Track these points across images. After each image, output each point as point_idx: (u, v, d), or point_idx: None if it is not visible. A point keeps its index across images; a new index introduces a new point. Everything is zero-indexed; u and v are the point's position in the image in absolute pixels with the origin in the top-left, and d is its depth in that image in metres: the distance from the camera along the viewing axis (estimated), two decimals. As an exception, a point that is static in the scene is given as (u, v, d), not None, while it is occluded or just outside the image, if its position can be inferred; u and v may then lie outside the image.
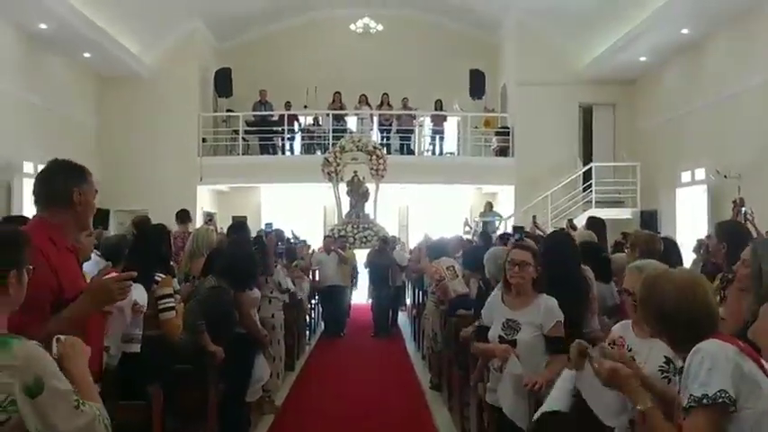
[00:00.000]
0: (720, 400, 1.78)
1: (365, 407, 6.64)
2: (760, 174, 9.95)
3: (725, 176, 10.47)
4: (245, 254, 4.83)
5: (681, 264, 4.55)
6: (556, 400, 2.58)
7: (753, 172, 10.14)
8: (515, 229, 6.01)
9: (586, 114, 16.17)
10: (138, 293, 3.34)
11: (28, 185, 10.89)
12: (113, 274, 2.73)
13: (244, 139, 16.40)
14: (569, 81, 15.38)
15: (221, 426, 4.51)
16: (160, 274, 3.65)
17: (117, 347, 3.41)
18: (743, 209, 7.89)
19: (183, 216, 8.25)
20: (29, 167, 11.06)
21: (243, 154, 16.32)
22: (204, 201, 15.95)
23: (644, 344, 2.53)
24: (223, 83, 16.68)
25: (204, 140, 16.06)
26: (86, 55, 13.36)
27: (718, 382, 1.80)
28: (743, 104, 10.78)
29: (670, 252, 4.35)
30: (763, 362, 1.90)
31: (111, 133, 15.00)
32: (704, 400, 1.80)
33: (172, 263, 4.81)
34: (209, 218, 11.14)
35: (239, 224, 6.06)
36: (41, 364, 1.76)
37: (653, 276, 2.08)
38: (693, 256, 7.43)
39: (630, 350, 2.59)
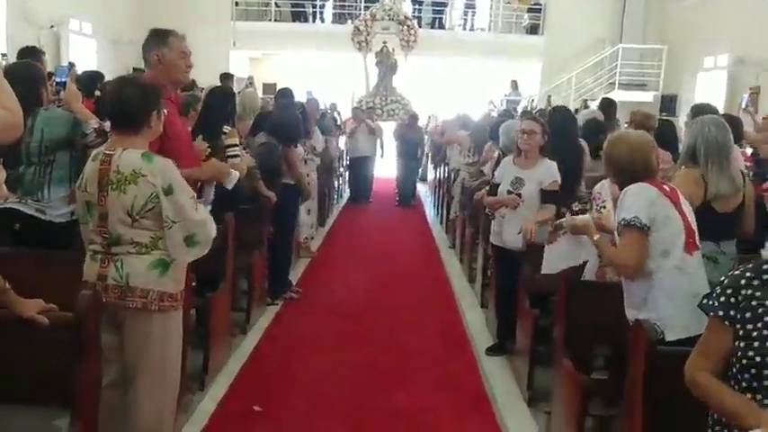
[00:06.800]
0: (634, 223, 2.55)
1: (389, 257, 7.58)
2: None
3: (742, 62, 10.67)
4: (293, 115, 5.58)
5: (675, 141, 5.16)
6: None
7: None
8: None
9: (621, -7, 15.95)
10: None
11: (75, 41, 11.59)
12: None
13: (276, 4, 16.53)
14: (606, -43, 15.11)
15: (270, 259, 5.45)
16: (227, 127, 4.39)
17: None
18: (743, 97, 8.35)
19: (228, 78, 8.92)
20: (75, 24, 11.66)
21: (274, 20, 16.51)
22: (237, 66, 16.37)
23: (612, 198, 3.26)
24: (256, -57, 16.56)
25: (237, 4, 16.23)
26: None
27: (635, 210, 2.56)
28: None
29: (664, 131, 4.98)
30: (682, 202, 2.66)
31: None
32: (622, 222, 2.59)
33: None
34: (250, 81, 11.73)
35: (286, 90, 6.74)
36: (173, 174, 2.55)
37: (614, 136, 2.80)
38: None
39: (603, 200, 3.36)
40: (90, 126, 3.27)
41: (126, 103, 2.56)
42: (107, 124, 2.98)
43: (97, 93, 5.68)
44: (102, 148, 2.65)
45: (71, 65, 7.60)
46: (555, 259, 3.71)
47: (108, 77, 6.39)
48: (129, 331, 2.56)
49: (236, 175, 3.75)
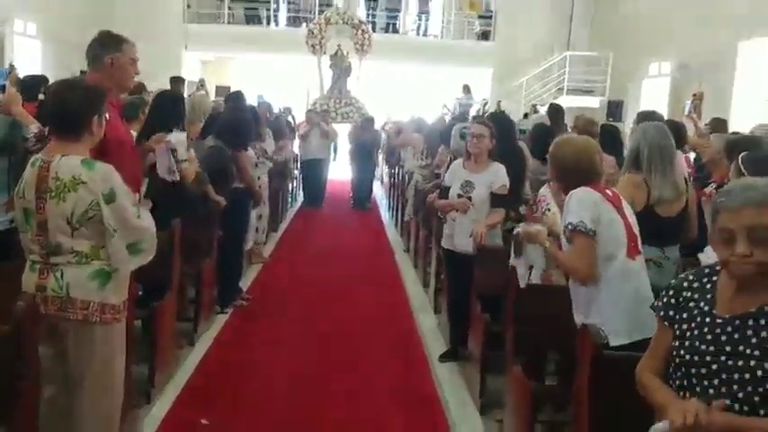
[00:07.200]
0: (580, 228, 2.59)
1: (343, 262, 7.53)
2: (724, 67, 10.45)
3: (686, 69, 11.00)
4: (243, 117, 5.50)
5: (619, 146, 5.26)
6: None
7: (714, 66, 10.65)
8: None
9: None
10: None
11: (19, 42, 11.21)
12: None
13: (229, 7, 16.36)
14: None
15: (221, 264, 5.34)
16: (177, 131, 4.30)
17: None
18: (686, 103, 8.64)
19: (178, 81, 8.76)
20: (19, 25, 11.27)
21: (227, 23, 16.34)
22: (189, 69, 16.12)
23: (555, 201, 3.32)
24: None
25: (189, 6, 15.99)
26: None
27: (580, 215, 2.60)
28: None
29: (608, 136, 5.08)
30: (624, 206, 2.72)
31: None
32: (569, 227, 2.62)
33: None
34: (201, 83, 11.55)
35: (237, 93, 6.65)
36: (114, 180, 2.47)
37: (561, 139, 2.85)
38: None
39: (548, 203, 3.42)
40: (30, 131, 3.17)
41: (67, 107, 2.47)
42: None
43: (41, 96, 5.50)
44: (40, 153, 2.56)
45: (11, 67, 7.36)
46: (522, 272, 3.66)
47: (53, 81, 6.19)
48: (70, 344, 2.47)
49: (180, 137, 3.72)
